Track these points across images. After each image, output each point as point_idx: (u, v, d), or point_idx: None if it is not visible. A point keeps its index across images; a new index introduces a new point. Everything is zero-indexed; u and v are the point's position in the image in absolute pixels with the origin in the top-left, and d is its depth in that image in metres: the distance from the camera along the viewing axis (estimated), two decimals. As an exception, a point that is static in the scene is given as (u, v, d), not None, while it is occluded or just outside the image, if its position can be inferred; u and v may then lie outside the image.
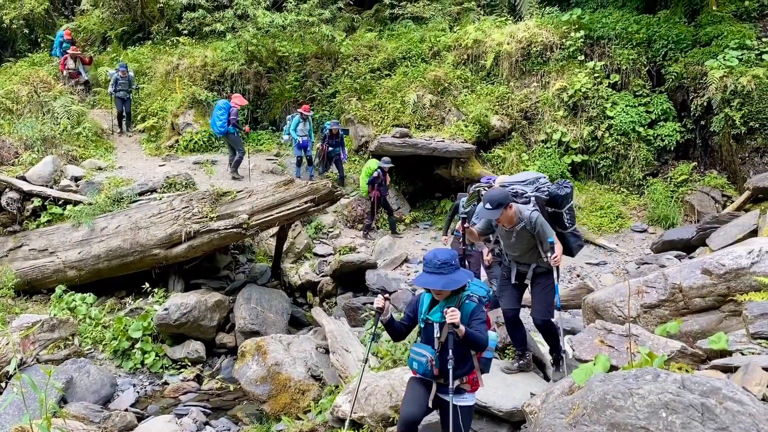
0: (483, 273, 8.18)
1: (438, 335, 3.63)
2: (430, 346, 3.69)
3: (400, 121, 14.09)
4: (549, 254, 4.85)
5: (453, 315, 3.43)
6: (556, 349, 5.19)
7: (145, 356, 8.26)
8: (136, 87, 15.35)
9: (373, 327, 3.88)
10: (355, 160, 14.21)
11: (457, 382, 3.65)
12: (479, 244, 7.61)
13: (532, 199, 5.01)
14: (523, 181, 5.21)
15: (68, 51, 15.47)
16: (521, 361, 5.15)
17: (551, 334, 5.10)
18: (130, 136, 14.82)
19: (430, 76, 14.61)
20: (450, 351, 3.52)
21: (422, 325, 3.80)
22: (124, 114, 14.81)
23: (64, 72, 15.38)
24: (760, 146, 12.53)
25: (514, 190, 5.01)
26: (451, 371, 3.51)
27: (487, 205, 4.60)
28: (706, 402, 2.22)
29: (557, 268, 4.96)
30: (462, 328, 3.46)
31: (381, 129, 14.08)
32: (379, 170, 11.82)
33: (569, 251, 5.20)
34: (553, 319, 5.07)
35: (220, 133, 12.69)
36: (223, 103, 12.66)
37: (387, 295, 3.80)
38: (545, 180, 5.24)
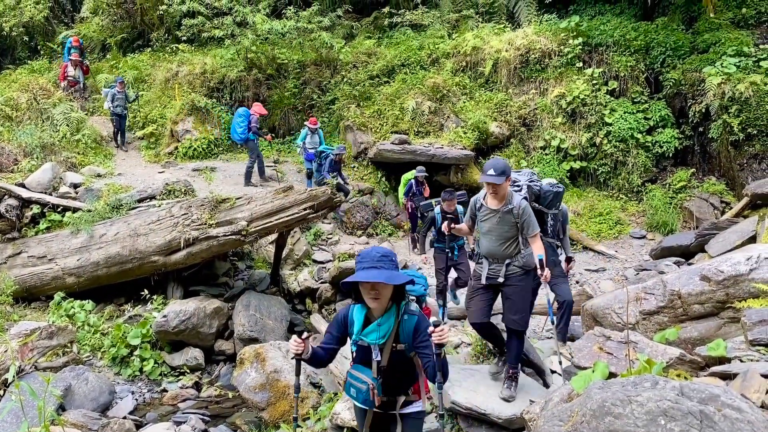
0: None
1: (378, 358, 3.15)
2: (369, 370, 3.19)
3: (399, 127, 14.13)
4: (526, 251, 4.67)
5: (441, 335, 2.92)
6: (514, 363, 4.80)
7: (143, 363, 8.22)
8: (135, 97, 15.26)
9: (296, 378, 3.28)
10: (354, 166, 14.23)
11: (402, 398, 3.31)
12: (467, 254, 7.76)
13: (524, 188, 5.19)
14: (517, 171, 5.48)
15: (70, 57, 15.42)
16: (503, 358, 4.99)
17: (519, 344, 4.78)
18: (126, 150, 14.75)
19: (428, 83, 14.67)
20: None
21: (354, 348, 3.28)
22: (119, 130, 14.66)
23: (63, 83, 15.28)
24: (758, 152, 12.57)
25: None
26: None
27: (491, 171, 4.49)
28: (705, 409, 2.22)
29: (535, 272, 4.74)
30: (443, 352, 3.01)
31: (380, 135, 14.12)
32: (412, 181, 11.96)
33: None
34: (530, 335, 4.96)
35: (240, 140, 12.87)
36: (243, 111, 12.92)
37: (305, 336, 3.23)
38: (538, 178, 5.50)
